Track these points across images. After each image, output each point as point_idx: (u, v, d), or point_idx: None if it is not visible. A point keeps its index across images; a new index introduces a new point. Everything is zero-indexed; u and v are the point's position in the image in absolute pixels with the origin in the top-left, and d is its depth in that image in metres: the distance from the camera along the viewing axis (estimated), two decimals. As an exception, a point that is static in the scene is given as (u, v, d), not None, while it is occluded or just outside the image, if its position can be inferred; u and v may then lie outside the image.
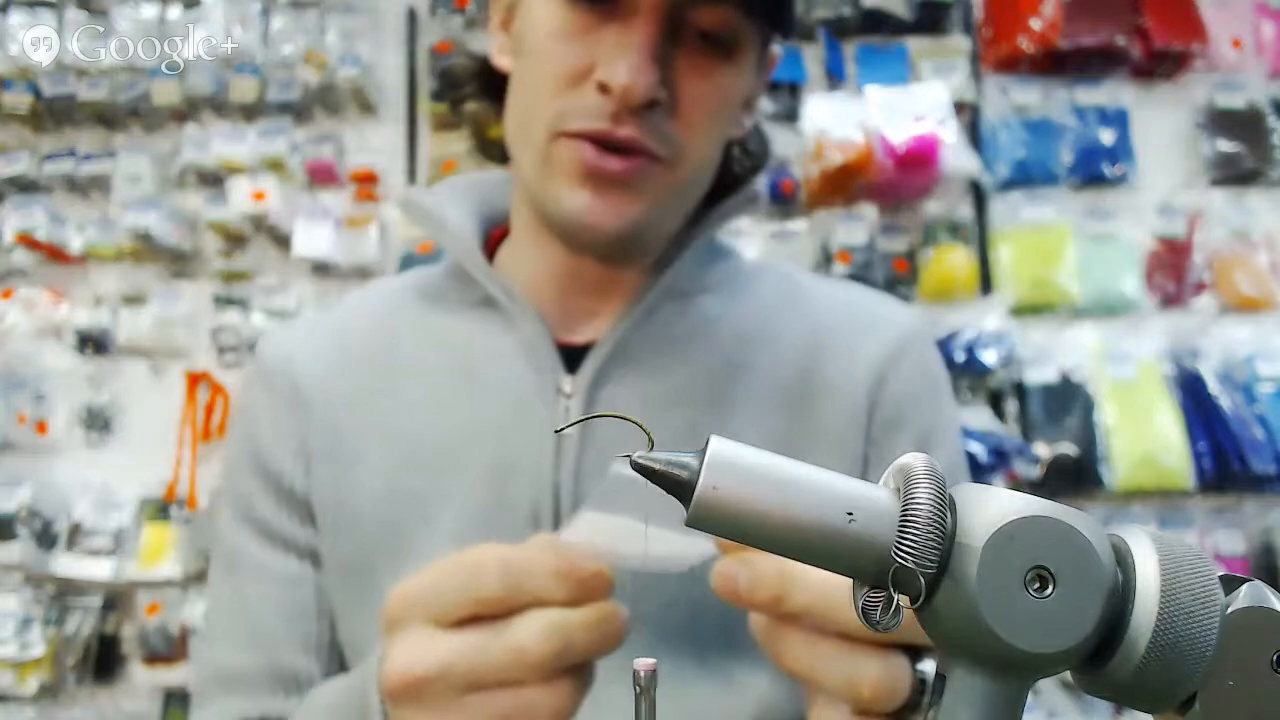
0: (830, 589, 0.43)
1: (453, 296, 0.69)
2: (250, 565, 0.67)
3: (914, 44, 1.99)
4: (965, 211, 1.95)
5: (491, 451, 0.63)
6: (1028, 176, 1.96)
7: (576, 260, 0.67)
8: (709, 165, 0.67)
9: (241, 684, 0.64)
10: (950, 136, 1.83)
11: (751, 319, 0.70)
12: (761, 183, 0.77)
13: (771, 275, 0.75)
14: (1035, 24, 1.94)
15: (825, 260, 1.89)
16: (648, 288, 0.67)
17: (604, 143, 0.60)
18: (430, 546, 0.62)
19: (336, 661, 0.67)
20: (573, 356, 0.65)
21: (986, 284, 1.92)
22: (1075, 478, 1.80)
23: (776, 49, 0.71)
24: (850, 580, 0.29)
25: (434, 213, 0.70)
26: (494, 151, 0.76)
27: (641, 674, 0.33)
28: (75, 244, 2.02)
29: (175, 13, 2.04)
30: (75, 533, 1.91)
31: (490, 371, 0.66)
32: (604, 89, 0.59)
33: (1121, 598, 0.27)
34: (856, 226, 1.88)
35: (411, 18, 2.06)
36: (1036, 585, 0.27)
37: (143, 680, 1.89)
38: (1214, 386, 1.83)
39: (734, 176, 0.73)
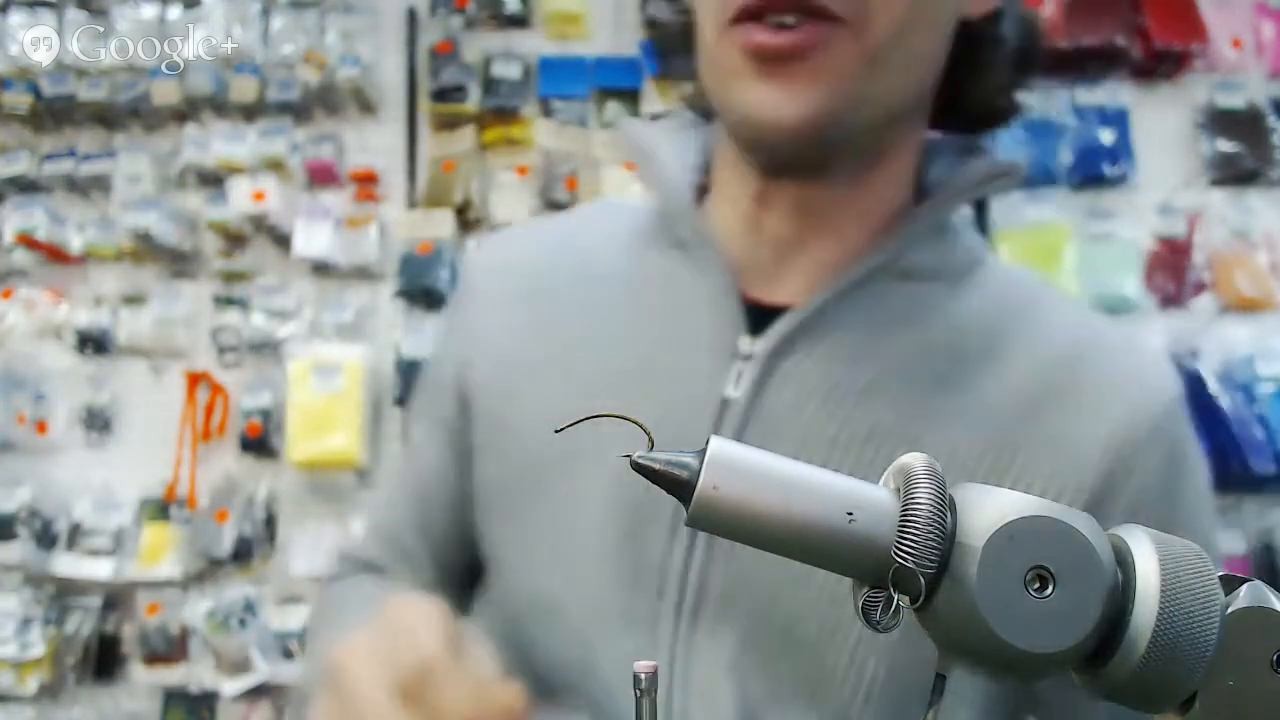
0: None
1: (658, 234, 0.64)
2: (414, 440, 0.73)
3: (914, 44, 1.99)
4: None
5: (655, 403, 0.58)
6: (1028, 176, 1.96)
7: (774, 187, 0.59)
8: (916, 33, 0.54)
9: (376, 534, 0.73)
10: (950, 136, 1.83)
11: (978, 328, 0.59)
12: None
13: (1014, 280, 0.64)
14: (1035, 24, 1.94)
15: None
16: (865, 252, 0.58)
17: (770, 18, 0.52)
18: (582, 489, 0.59)
19: (459, 552, 0.69)
20: (763, 317, 0.58)
21: (986, 284, 1.92)
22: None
23: None
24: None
25: (645, 143, 0.65)
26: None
27: (642, 676, 0.33)
28: (75, 244, 2.02)
29: (175, 13, 2.04)
30: (75, 533, 1.91)
31: (671, 318, 0.61)
32: None
33: (1121, 598, 0.27)
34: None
35: (411, 18, 2.06)
36: (1036, 585, 0.27)
37: (143, 680, 1.89)
38: (1214, 386, 1.83)
39: (994, 87, 0.61)
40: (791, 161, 0.57)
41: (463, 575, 0.69)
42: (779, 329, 0.57)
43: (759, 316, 0.58)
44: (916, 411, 0.56)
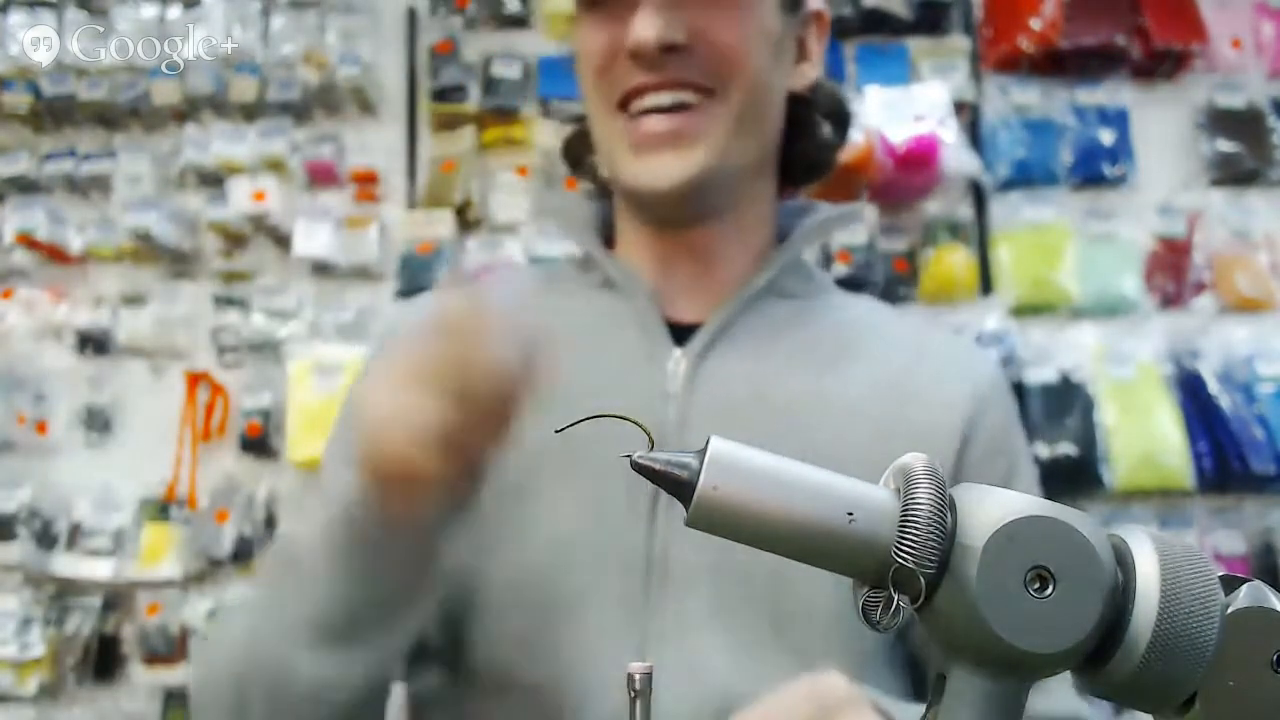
0: None
1: (573, 280, 0.77)
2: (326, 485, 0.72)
3: (914, 44, 1.99)
4: (965, 211, 1.95)
5: (604, 408, 0.65)
6: (1028, 176, 1.96)
7: (669, 234, 0.74)
8: (764, 96, 0.70)
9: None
10: (950, 136, 1.83)
11: (850, 323, 0.76)
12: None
13: (860, 300, 0.82)
14: (1035, 24, 1.93)
15: (825, 260, 1.89)
16: (753, 277, 0.73)
17: (652, 104, 0.68)
18: (552, 493, 0.67)
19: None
20: (679, 333, 0.71)
21: (986, 284, 1.92)
22: (1075, 478, 1.80)
23: (821, 6, 0.77)
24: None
25: (562, 206, 0.80)
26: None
27: (636, 677, 0.33)
28: (75, 244, 2.01)
29: (175, 13, 2.04)
30: (75, 533, 1.91)
31: (605, 339, 0.72)
32: (631, 55, 0.67)
33: (1121, 598, 0.27)
34: (856, 226, 1.88)
35: (411, 18, 2.06)
36: (1037, 585, 0.27)
37: (143, 680, 1.89)
38: (1214, 386, 1.83)
39: (817, 145, 0.78)
40: (675, 215, 0.72)
41: None
42: (701, 338, 0.71)
43: (676, 333, 0.72)
44: (816, 382, 0.71)
